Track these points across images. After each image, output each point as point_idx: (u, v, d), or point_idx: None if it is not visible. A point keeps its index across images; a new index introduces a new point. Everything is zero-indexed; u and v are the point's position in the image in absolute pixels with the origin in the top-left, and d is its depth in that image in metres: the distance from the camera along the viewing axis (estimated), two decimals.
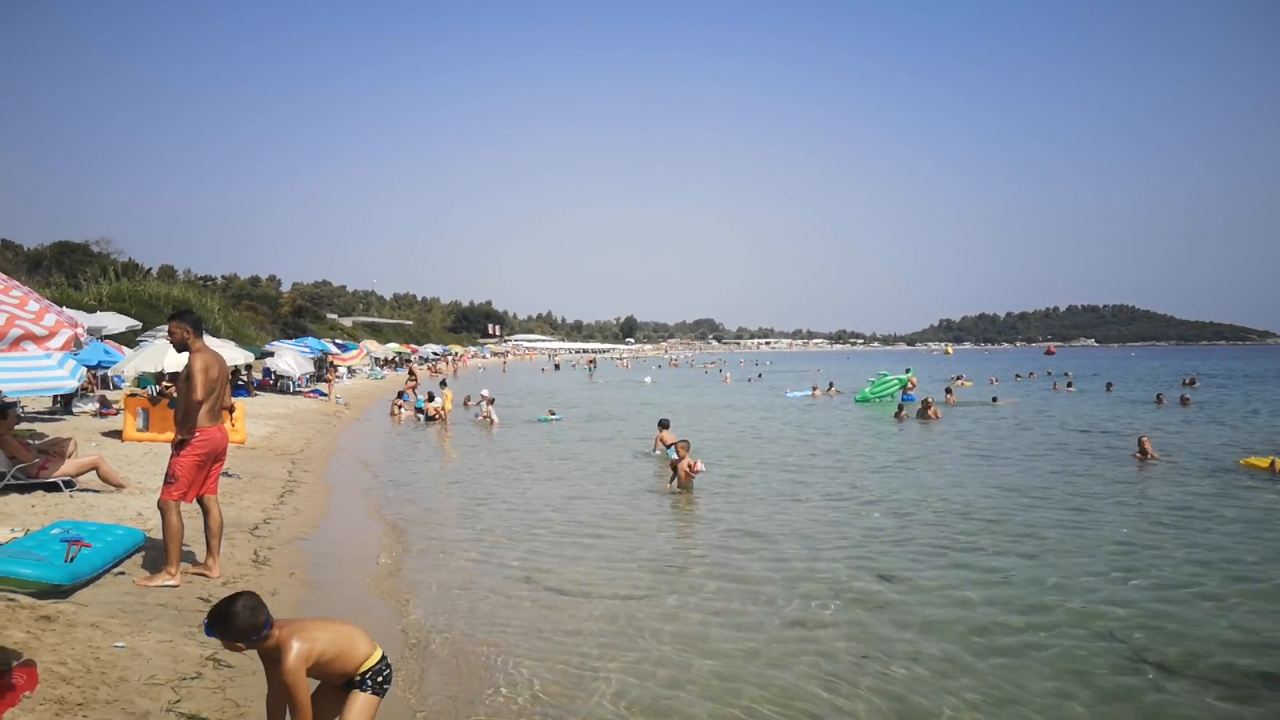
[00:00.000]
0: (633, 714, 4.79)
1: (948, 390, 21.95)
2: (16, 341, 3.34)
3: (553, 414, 23.90)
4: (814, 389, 35.67)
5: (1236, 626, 6.31)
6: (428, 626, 6.17)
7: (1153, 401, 28.93)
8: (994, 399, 29.37)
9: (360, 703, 3.38)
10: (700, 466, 11.95)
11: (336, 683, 3.42)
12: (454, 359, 77.45)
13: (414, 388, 28.04)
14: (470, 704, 4.87)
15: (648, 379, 52.28)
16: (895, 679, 5.29)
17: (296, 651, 3.20)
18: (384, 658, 3.49)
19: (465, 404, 26.67)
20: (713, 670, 5.42)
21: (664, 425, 16.17)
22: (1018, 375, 52.21)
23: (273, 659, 3.23)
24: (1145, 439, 15.38)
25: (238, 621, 3.12)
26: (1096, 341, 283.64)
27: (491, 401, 22.95)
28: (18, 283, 3.92)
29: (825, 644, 5.90)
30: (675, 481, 11.90)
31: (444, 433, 20.81)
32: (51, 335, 3.47)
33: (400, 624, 6.21)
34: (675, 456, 12.09)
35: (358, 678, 3.40)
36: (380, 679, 3.43)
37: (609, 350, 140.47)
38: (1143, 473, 13.83)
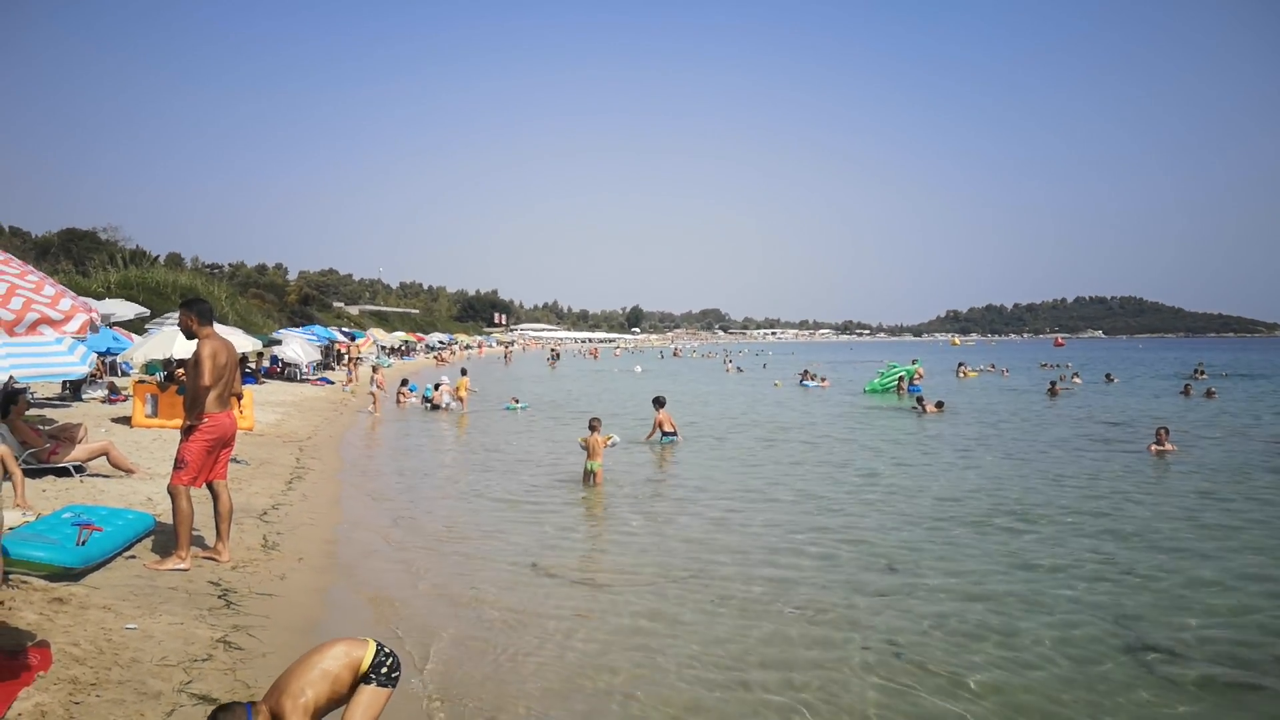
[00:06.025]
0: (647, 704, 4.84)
1: (939, 403, 21.53)
2: (34, 325, 3.37)
3: (517, 402, 24.20)
4: (823, 379, 35.95)
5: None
6: (438, 614, 6.23)
7: (1180, 393, 28.58)
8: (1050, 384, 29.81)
9: (366, 695, 3.33)
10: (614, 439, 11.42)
11: (345, 691, 3.37)
12: (470, 347, 76.96)
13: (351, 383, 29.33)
14: (481, 686, 4.92)
15: (638, 368, 51.48)
16: (904, 667, 5.32)
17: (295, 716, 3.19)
18: (380, 649, 3.41)
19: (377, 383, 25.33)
20: (714, 657, 5.47)
21: (659, 404, 14.68)
22: (1043, 364, 52.53)
23: None
24: (1162, 430, 14.90)
25: None
26: (1104, 333, 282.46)
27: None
28: (32, 268, 3.95)
29: (834, 627, 5.94)
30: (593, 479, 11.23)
31: (461, 420, 20.94)
32: (68, 319, 3.49)
33: (408, 611, 6.28)
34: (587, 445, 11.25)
35: (362, 678, 3.37)
36: (384, 671, 3.37)
37: (615, 340, 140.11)
38: (1167, 465, 13.56)
